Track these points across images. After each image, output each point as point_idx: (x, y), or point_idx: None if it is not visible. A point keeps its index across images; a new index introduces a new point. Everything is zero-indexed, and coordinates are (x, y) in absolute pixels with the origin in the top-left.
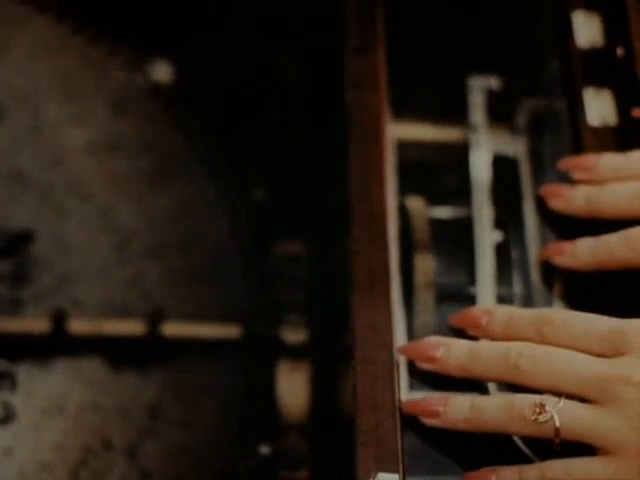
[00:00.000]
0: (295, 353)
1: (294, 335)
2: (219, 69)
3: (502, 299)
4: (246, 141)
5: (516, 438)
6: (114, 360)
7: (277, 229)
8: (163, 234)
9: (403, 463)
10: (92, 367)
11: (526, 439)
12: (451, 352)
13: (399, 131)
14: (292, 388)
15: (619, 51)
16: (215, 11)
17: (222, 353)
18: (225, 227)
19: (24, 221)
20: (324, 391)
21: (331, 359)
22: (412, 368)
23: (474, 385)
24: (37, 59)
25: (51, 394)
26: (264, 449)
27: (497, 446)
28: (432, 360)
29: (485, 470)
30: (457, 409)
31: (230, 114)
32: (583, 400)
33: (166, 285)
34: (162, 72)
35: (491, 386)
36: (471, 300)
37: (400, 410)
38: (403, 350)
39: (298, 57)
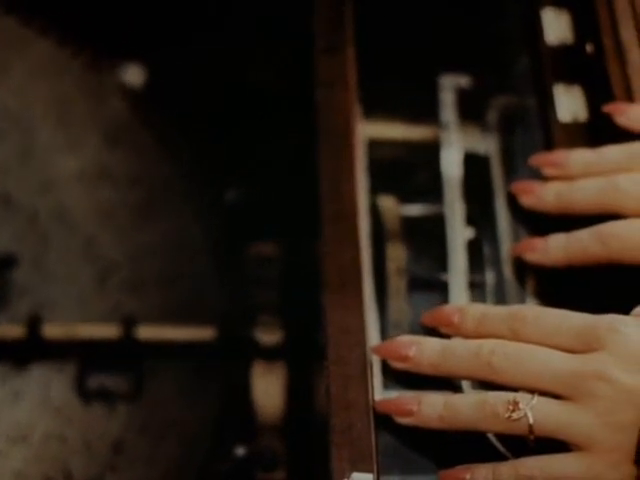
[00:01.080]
0: (269, 354)
1: (268, 336)
2: (192, 71)
3: (474, 297)
4: (218, 142)
5: (490, 435)
6: (88, 365)
7: (250, 230)
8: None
9: (377, 463)
10: (61, 397)
11: (500, 436)
12: (424, 350)
13: (370, 130)
14: (267, 389)
15: (588, 47)
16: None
17: (196, 355)
18: (198, 229)
19: (7, 245)
20: (299, 392)
21: (306, 360)
22: (386, 367)
23: (448, 384)
24: (34, 83)
25: (18, 422)
26: (239, 450)
27: (471, 444)
28: (405, 359)
29: (459, 468)
30: (431, 407)
31: (203, 116)
32: (556, 397)
33: (140, 288)
34: (135, 75)
35: (465, 384)
36: (444, 298)
37: (374, 410)
38: (376, 350)
39: (271, 58)
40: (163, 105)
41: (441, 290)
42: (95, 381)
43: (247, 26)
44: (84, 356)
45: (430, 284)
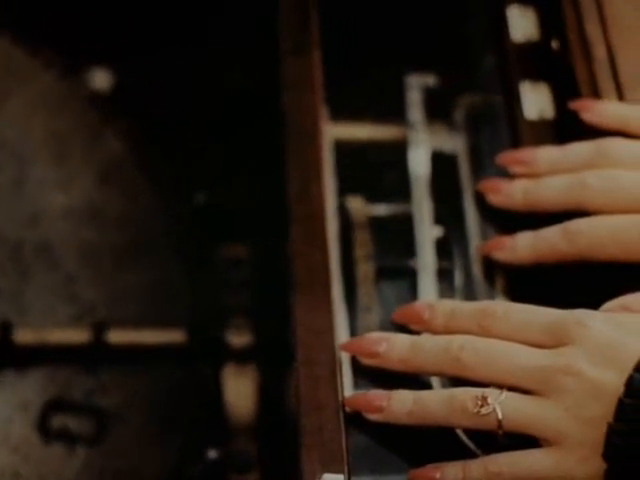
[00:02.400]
0: (241, 356)
1: (239, 338)
2: (160, 76)
3: (444, 295)
4: (186, 145)
5: (461, 433)
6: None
7: (220, 232)
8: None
9: (348, 463)
10: (21, 434)
11: (471, 434)
12: (393, 347)
13: (337, 131)
14: (238, 391)
15: (554, 44)
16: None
17: (167, 358)
18: (167, 232)
19: None
20: (271, 394)
21: (277, 361)
22: (356, 367)
23: (418, 382)
24: (33, 116)
25: None
26: (212, 453)
27: (442, 442)
28: (375, 355)
29: (429, 467)
30: (400, 403)
31: (170, 119)
32: (526, 392)
33: (110, 292)
34: (101, 80)
35: (435, 382)
36: (413, 288)
37: (344, 409)
38: (345, 346)
39: (239, 60)
40: (131, 110)
41: (410, 278)
42: (58, 420)
43: (215, 29)
44: (50, 398)
45: (398, 272)
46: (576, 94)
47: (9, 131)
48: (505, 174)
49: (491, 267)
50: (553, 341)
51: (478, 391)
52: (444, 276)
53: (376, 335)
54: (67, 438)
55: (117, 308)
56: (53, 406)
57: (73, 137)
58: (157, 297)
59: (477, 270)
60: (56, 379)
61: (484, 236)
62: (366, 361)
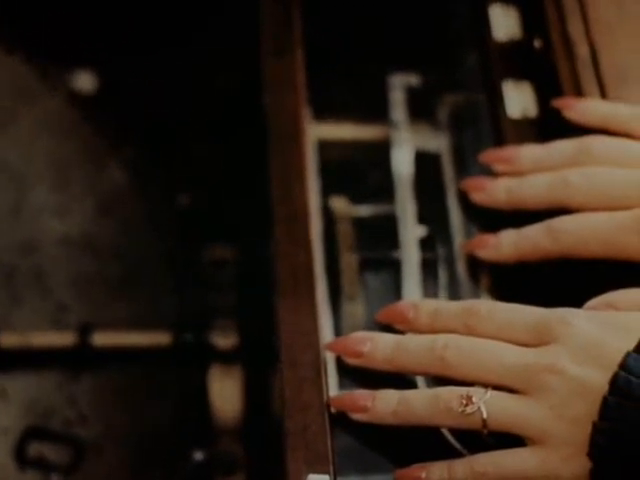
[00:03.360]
0: (226, 358)
1: (224, 340)
2: (143, 77)
3: (428, 294)
4: (170, 147)
5: (446, 433)
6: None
7: (204, 234)
8: None
9: (333, 464)
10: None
11: (457, 434)
12: (378, 346)
13: (320, 131)
14: (224, 393)
15: (537, 43)
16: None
17: (153, 360)
18: (151, 234)
19: None
20: (256, 395)
21: (262, 363)
22: (341, 367)
23: (403, 382)
24: (38, 140)
25: None
26: (198, 455)
27: (428, 442)
28: (359, 355)
29: (415, 467)
30: (385, 403)
31: (154, 121)
32: (510, 391)
33: (95, 294)
34: (86, 81)
35: (420, 382)
36: (398, 287)
37: (329, 410)
38: (330, 346)
39: (222, 61)
40: (115, 111)
41: (394, 269)
42: (35, 449)
43: (198, 30)
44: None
45: (382, 264)
46: (559, 93)
47: (12, 154)
48: (489, 173)
49: (475, 266)
50: (537, 340)
51: (463, 390)
52: (428, 275)
53: (360, 335)
54: (43, 466)
55: (102, 311)
56: (31, 433)
57: (76, 164)
58: (142, 299)
59: (461, 269)
60: (41, 383)
61: (468, 235)
62: (351, 361)
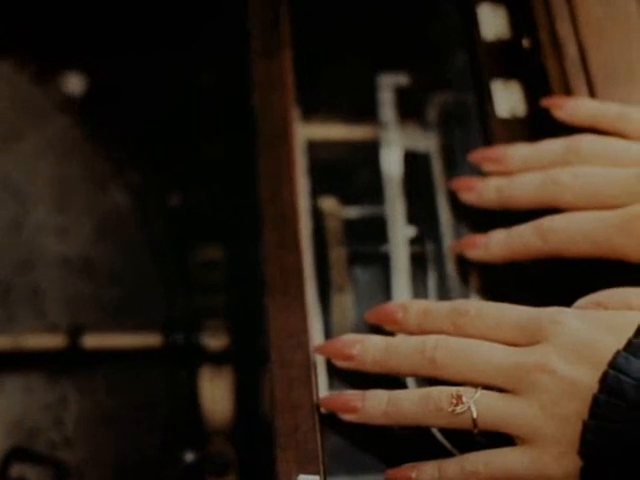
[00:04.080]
0: (216, 359)
1: (215, 341)
2: (131, 78)
3: (417, 294)
4: (160, 148)
5: (436, 432)
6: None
7: (194, 235)
8: None
9: (324, 464)
10: None
11: (447, 433)
12: (367, 349)
13: (309, 132)
14: (215, 394)
15: (525, 42)
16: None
17: (143, 362)
18: (141, 235)
19: None
20: (247, 396)
21: (253, 363)
22: (331, 368)
23: (393, 382)
24: (42, 160)
25: None
26: (189, 456)
27: (418, 442)
28: (349, 358)
29: (405, 467)
30: (375, 403)
31: (144, 121)
32: (501, 390)
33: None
34: (75, 84)
35: (410, 383)
36: (387, 293)
37: (319, 410)
38: (320, 349)
39: (211, 62)
40: (104, 113)
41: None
42: (17, 470)
43: (187, 31)
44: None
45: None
46: (547, 92)
47: (16, 171)
48: (478, 172)
49: (465, 266)
50: (527, 339)
51: (453, 390)
52: (418, 275)
53: (350, 337)
54: None
55: (92, 313)
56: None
57: (79, 185)
58: (132, 301)
59: (451, 269)
60: (31, 385)
61: (457, 234)
62: (341, 364)
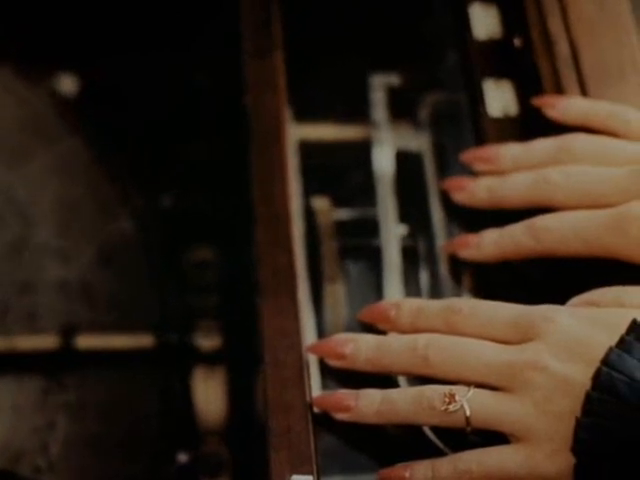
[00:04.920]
0: (210, 359)
1: (208, 341)
2: (124, 79)
3: (410, 294)
4: (152, 148)
5: (429, 432)
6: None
7: (187, 235)
8: None
9: (317, 464)
10: None
11: (440, 433)
12: (360, 347)
13: (301, 132)
14: (208, 394)
15: (517, 41)
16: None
17: (136, 363)
18: (134, 236)
19: None
20: (241, 396)
21: (246, 364)
22: (324, 368)
23: (386, 382)
24: (50, 181)
25: None
26: (182, 457)
27: (411, 441)
28: (342, 357)
29: (399, 466)
30: (368, 402)
31: (136, 122)
32: (493, 388)
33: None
34: (68, 84)
35: (402, 381)
36: (380, 293)
37: (312, 410)
38: (312, 349)
39: (202, 62)
40: (96, 113)
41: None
42: None
43: (180, 31)
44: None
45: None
46: (539, 91)
47: (22, 191)
48: (470, 172)
49: (457, 265)
50: (519, 337)
51: (445, 388)
52: (410, 275)
53: (342, 336)
54: None
55: (85, 314)
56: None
57: (83, 209)
58: (125, 301)
59: (443, 268)
60: (24, 385)
61: (450, 234)
62: (333, 363)
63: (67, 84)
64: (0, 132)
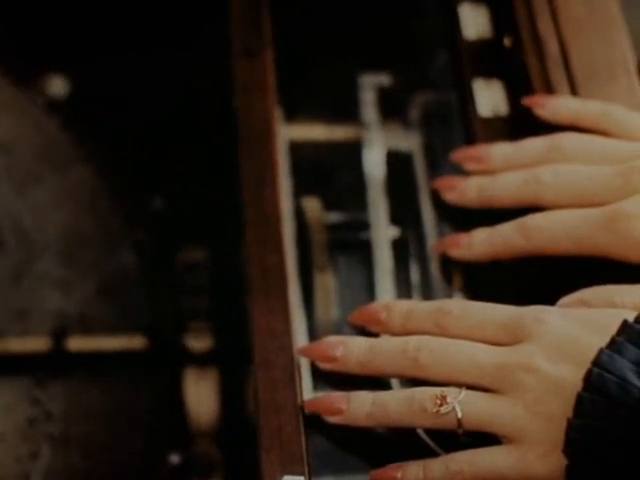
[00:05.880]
0: (201, 360)
1: (199, 342)
2: (113, 81)
3: (401, 295)
4: (143, 149)
5: (422, 433)
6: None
7: (178, 237)
8: None
9: (308, 465)
10: None
11: (432, 434)
12: (351, 350)
13: (291, 132)
14: (200, 395)
15: (507, 41)
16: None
17: (128, 365)
18: (125, 237)
19: None
20: (232, 397)
21: (238, 365)
22: (315, 369)
23: (378, 383)
24: (59, 209)
25: None
26: (174, 458)
27: (404, 442)
28: (332, 359)
29: (390, 467)
30: (360, 405)
31: (126, 123)
32: (485, 390)
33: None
34: (58, 86)
35: (394, 383)
36: (371, 294)
37: (303, 411)
38: (303, 351)
39: (192, 63)
40: (87, 115)
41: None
42: None
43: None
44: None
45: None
46: (529, 91)
47: (28, 218)
48: (461, 172)
49: (448, 265)
50: (511, 338)
51: (437, 390)
52: (401, 275)
53: (333, 339)
54: None
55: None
56: None
57: (88, 241)
58: (116, 303)
59: (434, 268)
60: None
61: (441, 234)
62: (324, 365)
63: (57, 87)
64: (14, 156)
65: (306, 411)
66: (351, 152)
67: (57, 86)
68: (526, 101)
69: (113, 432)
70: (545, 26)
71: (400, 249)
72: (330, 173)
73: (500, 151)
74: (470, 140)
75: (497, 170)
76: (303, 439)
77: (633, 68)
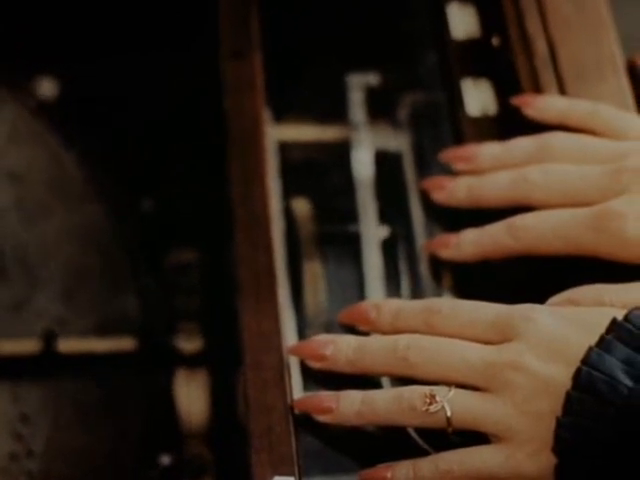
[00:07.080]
0: (191, 361)
1: (189, 343)
2: (102, 83)
3: (391, 295)
4: (132, 151)
5: (412, 432)
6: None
7: (168, 237)
8: None
9: (298, 465)
10: None
11: (422, 432)
12: (340, 349)
13: (280, 133)
14: (190, 396)
15: (495, 41)
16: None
17: (118, 366)
18: (115, 238)
19: None
20: (223, 398)
21: (228, 366)
22: (305, 369)
23: (368, 383)
24: (68, 242)
25: None
26: (165, 459)
27: (393, 442)
28: (322, 358)
29: (380, 467)
30: (349, 404)
31: (116, 125)
32: (474, 389)
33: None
34: (48, 88)
35: (384, 382)
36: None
37: (293, 411)
38: (293, 350)
39: (181, 64)
40: (76, 118)
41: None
42: None
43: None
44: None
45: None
46: (518, 90)
47: (34, 252)
48: (450, 172)
49: (437, 265)
50: (499, 336)
51: (426, 389)
52: (391, 275)
53: (323, 338)
54: None
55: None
56: None
57: (91, 280)
58: (106, 305)
59: (424, 268)
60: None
61: (430, 234)
62: (313, 364)
63: (47, 87)
64: (26, 186)
65: (296, 410)
66: (340, 152)
67: (46, 88)
68: (515, 101)
69: (104, 433)
70: (533, 25)
71: (390, 249)
72: (319, 173)
73: (489, 151)
74: (459, 140)
75: (486, 170)
76: (293, 440)
77: (621, 67)
